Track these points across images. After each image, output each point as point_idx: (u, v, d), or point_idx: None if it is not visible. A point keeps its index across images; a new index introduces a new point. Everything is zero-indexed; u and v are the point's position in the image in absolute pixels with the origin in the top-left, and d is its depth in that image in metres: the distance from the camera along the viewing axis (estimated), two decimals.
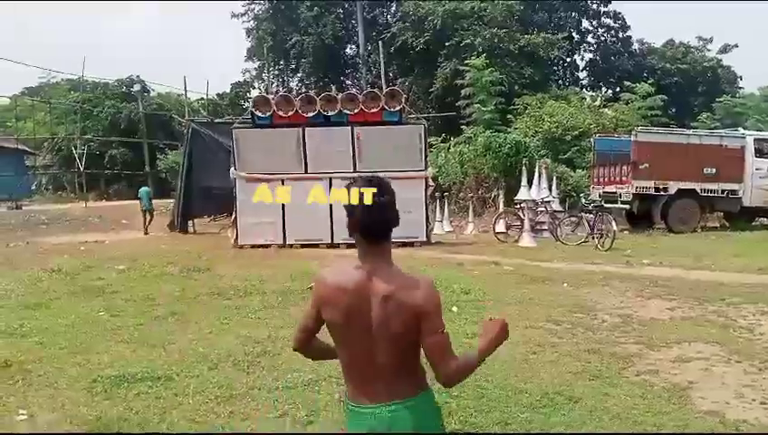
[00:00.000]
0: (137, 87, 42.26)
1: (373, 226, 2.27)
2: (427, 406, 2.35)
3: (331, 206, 13.74)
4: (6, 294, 9.25)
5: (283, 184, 14.56)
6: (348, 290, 2.25)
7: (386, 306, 2.21)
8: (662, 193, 17.77)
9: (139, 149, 38.89)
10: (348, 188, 2.29)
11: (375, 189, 2.25)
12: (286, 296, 8.60)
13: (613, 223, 14.35)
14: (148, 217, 20.27)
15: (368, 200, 2.23)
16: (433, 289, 2.28)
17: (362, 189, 2.24)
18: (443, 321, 2.26)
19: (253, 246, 14.39)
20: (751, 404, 4.83)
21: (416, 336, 2.23)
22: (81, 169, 33.34)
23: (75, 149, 34.43)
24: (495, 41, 30.79)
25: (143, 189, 21.19)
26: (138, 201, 21.11)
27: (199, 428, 4.46)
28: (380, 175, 2.39)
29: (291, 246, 14.42)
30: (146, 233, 19.64)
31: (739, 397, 4.97)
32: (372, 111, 14.61)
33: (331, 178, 14.17)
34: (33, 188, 39.00)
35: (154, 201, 21.53)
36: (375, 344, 2.24)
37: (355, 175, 2.52)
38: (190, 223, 19.86)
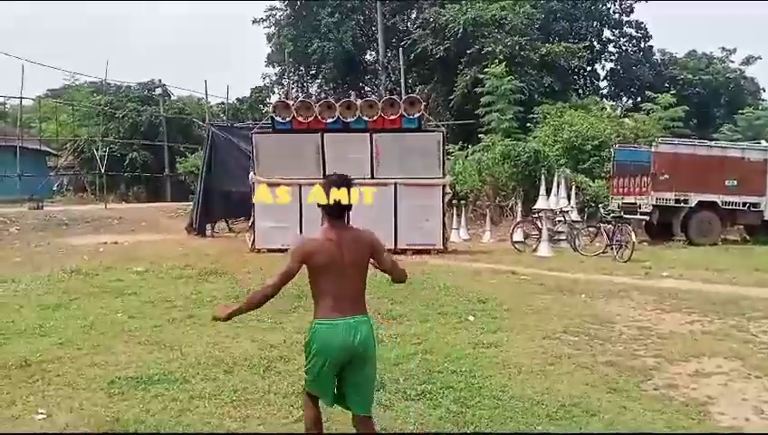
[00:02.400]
0: (158, 91, 42.63)
1: (338, 209, 3.62)
2: (370, 322, 3.71)
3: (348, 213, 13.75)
4: (27, 294, 9.37)
5: (300, 189, 14.65)
6: (330, 242, 3.56)
7: (355, 245, 3.61)
8: (682, 205, 17.60)
9: (160, 152, 39.16)
10: (325, 184, 3.63)
11: (345, 188, 3.61)
12: (302, 301, 8.60)
13: (632, 234, 14.23)
14: None
15: (343, 197, 3.60)
16: (374, 234, 3.75)
17: (336, 186, 3.60)
18: None
19: (270, 251, 14.44)
20: None
21: (368, 264, 3.68)
22: (102, 171, 33.67)
23: (97, 150, 34.78)
24: (516, 49, 30.65)
25: None
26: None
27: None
28: (349, 177, 3.69)
29: None
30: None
31: (759, 413, 4.90)
32: (391, 117, 14.61)
33: None
34: (55, 188, 39.38)
35: (173, 204, 21.74)
36: (347, 276, 3.58)
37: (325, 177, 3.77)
38: (208, 226, 19.97)
